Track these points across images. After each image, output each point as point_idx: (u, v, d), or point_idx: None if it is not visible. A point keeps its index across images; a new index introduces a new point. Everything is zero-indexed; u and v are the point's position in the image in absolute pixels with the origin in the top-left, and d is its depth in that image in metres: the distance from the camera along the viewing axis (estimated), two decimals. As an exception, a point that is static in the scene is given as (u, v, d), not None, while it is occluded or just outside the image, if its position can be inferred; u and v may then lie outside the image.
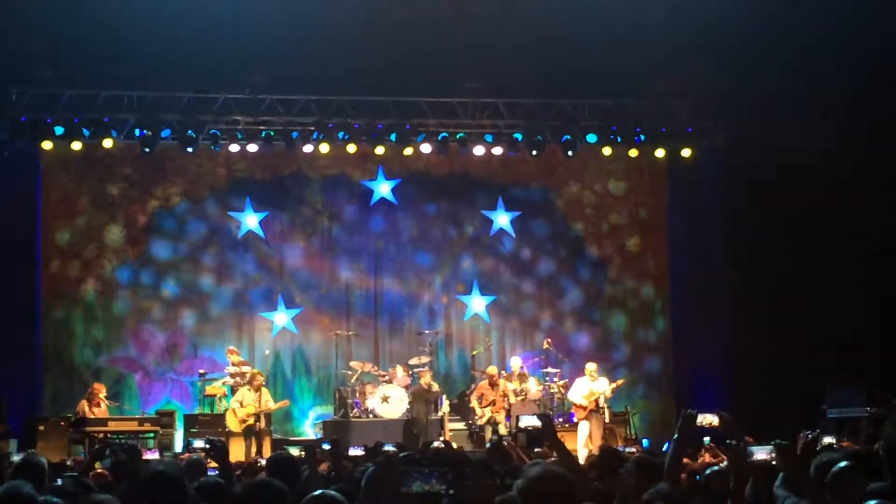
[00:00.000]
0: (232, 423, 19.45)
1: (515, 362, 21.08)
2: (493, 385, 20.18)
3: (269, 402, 19.71)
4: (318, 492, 5.45)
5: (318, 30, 18.97)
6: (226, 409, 20.18)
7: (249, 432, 19.32)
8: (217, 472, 7.84)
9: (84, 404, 19.34)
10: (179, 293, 22.30)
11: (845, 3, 17.88)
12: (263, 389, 19.77)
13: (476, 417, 20.25)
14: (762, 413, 17.94)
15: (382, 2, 19.16)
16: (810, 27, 18.45)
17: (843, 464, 6.29)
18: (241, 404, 19.46)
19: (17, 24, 18.56)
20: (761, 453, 6.10)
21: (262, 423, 19.58)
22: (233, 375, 20.47)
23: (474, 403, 20.28)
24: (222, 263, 22.58)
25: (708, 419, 6.84)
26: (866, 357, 19.39)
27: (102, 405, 19.50)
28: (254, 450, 18.94)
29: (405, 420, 19.99)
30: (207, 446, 7.72)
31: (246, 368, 20.56)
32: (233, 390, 20.39)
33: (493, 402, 19.98)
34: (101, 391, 19.62)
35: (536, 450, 11.73)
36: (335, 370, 21.82)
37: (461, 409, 21.09)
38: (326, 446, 8.82)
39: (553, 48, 19.83)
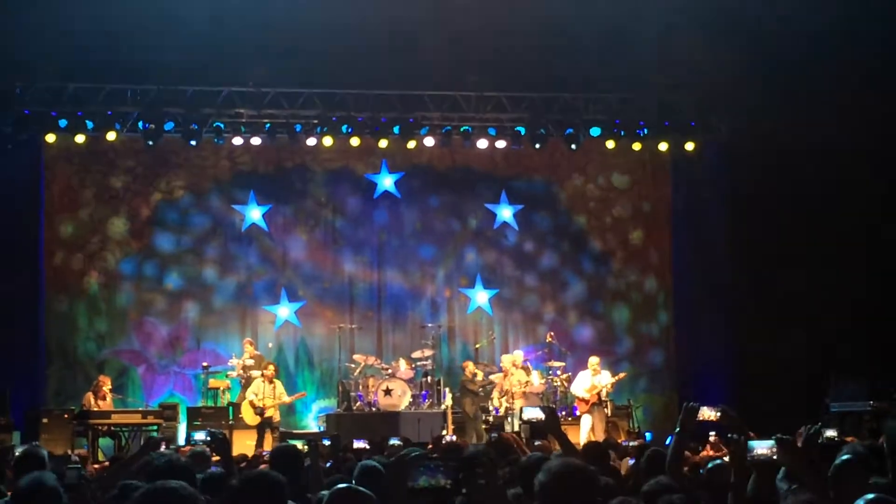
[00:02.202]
0: (248, 416, 19.53)
1: (516, 355, 20.97)
2: (506, 376, 20.22)
3: (283, 395, 19.84)
4: (344, 485, 5.46)
5: (322, 23, 18.97)
6: (230, 403, 20.23)
7: (264, 425, 19.41)
8: (218, 464, 7.86)
9: (90, 397, 19.39)
10: (183, 286, 22.32)
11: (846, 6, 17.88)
12: (276, 381, 19.89)
13: (497, 410, 20.27)
14: (765, 406, 17.94)
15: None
16: (812, 21, 18.43)
17: (845, 457, 6.29)
18: (256, 396, 19.54)
19: (21, 18, 18.56)
20: (762, 448, 6.10)
21: (277, 416, 19.74)
22: (244, 368, 20.48)
23: (495, 395, 20.30)
24: (225, 256, 22.59)
25: (709, 413, 6.84)
26: (869, 351, 19.40)
27: (108, 398, 19.55)
28: (264, 442, 18.98)
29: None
30: (209, 439, 7.73)
31: (250, 362, 20.57)
32: (240, 383, 20.49)
33: (507, 393, 19.99)
34: (107, 383, 19.68)
35: (537, 443, 11.70)
36: (338, 363, 21.83)
37: (461, 402, 21.04)
38: (326, 442, 8.82)
39: (556, 42, 19.82)
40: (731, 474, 6.19)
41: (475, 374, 20.59)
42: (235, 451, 14.75)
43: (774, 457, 6.12)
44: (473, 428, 19.88)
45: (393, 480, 5.67)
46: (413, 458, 5.66)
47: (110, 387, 19.78)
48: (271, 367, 20.02)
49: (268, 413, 19.49)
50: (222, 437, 7.84)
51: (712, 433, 13.95)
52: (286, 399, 19.99)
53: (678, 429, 6.82)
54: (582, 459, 7.77)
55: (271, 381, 19.75)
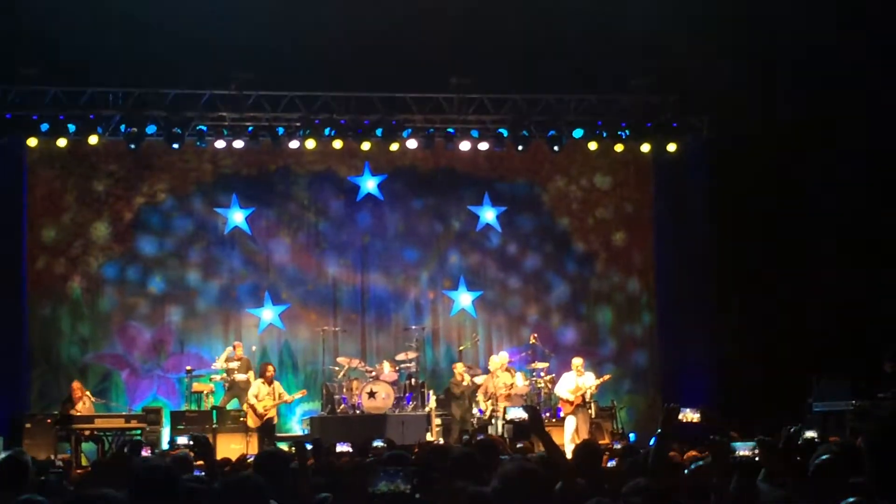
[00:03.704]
0: (251, 420, 19.52)
1: (503, 357, 20.97)
2: (492, 378, 20.22)
3: (283, 395, 19.94)
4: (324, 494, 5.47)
5: (304, 26, 18.96)
6: (214, 406, 20.21)
7: (266, 428, 19.40)
8: (201, 468, 7.85)
9: (65, 408, 19.28)
10: (166, 289, 22.26)
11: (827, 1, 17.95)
12: (275, 382, 19.94)
13: (482, 412, 20.26)
14: (748, 407, 18.00)
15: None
16: (793, 24, 18.50)
17: (825, 457, 6.32)
18: (257, 398, 19.54)
19: (2, 21, 18.50)
20: (744, 449, 6.13)
21: (276, 418, 19.87)
22: (228, 371, 20.48)
23: (480, 397, 20.30)
24: (209, 259, 22.55)
25: (691, 415, 6.87)
26: (852, 350, 19.45)
27: (87, 402, 19.47)
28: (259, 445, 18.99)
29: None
30: (191, 443, 7.72)
31: (234, 365, 20.57)
32: (224, 387, 20.49)
33: (492, 396, 19.97)
34: (79, 389, 19.57)
35: (519, 445, 11.73)
36: (322, 366, 21.81)
37: (448, 404, 21.08)
38: (309, 446, 8.82)
39: (538, 44, 19.85)
40: (714, 475, 6.22)
41: (462, 378, 20.61)
42: (219, 455, 14.74)
43: (756, 458, 6.16)
44: (458, 430, 19.89)
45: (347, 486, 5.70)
46: (370, 463, 5.69)
47: (83, 391, 19.66)
48: (270, 368, 20.05)
49: (269, 414, 19.57)
50: (205, 440, 7.82)
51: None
52: (287, 398, 20.08)
53: (659, 430, 6.85)
54: (571, 459, 7.81)
55: (270, 383, 19.79)
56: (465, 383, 20.53)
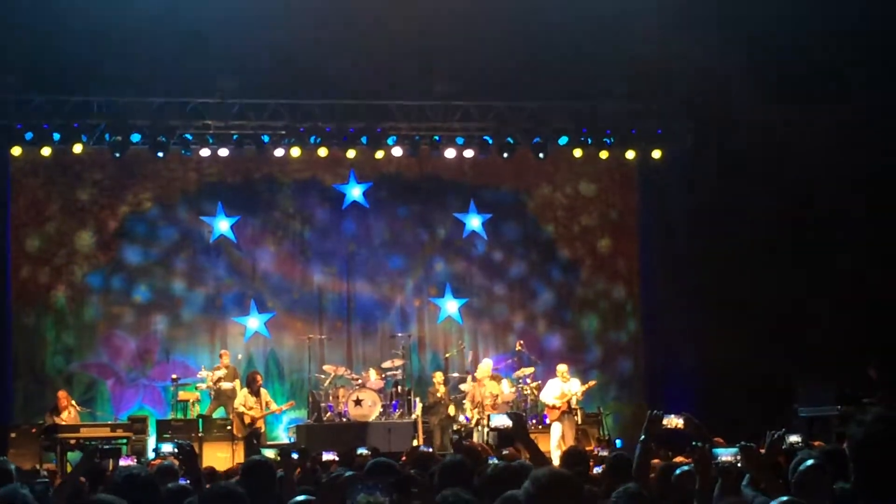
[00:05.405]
0: (237, 429, 19.47)
1: (487, 364, 20.95)
2: (480, 385, 20.17)
3: (271, 404, 19.94)
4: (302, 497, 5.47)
5: (288, 34, 18.95)
6: (200, 415, 20.15)
7: (253, 437, 19.34)
8: (186, 477, 7.83)
9: (50, 416, 19.23)
10: (151, 298, 22.22)
11: (811, 7, 17.98)
12: (263, 391, 19.89)
13: (468, 419, 20.21)
14: (734, 413, 18.00)
15: (352, 5, 19.15)
16: (778, 32, 18.56)
17: (809, 462, 6.34)
18: (245, 407, 19.51)
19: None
20: (726, 455, 6.15)
21: (264, 427, 19.83)
22: (215, 381, 20.46)
23: (467, 405, 20.27)
24: (194, 268, 22.51)
25: (675, 421, 6.88)
26: (837, 356, 19.47)
27: (72, 411, 19.42)
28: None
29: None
30: (176, 450, 7.70)
31: (220, 373, 20.54)
32: (210, 395, 20.46)
33: (479, 404, 19.92)
34: (65, 398, 19.52)
35: (504, 451, 11.73)
36: (308, 374, 21.80)
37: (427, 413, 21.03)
38: (295, 455, 8.80)
39: (523, 51, 19.87)
40: (697, 481, 6.24)
41: (437, 389, 20.60)
42: (206, 464, 14.72)
43: (739, 464, 6.18)
44: (440, 437, 19.88)
45: (325, 500, 5.69)
46: (349, 477, 5.66)
47: (71, 401, 19.60)
48: (259, 378, 20.04)
49: (256, 424, 19.57)
50: (189, 448, 7.81)
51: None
52: (275, 408, 20.07)
53: (643, 437, 6.87)
54: (558, 466, 7.82)
55: (257, 393, 19.75)
56: (439, 394, 20.52)
